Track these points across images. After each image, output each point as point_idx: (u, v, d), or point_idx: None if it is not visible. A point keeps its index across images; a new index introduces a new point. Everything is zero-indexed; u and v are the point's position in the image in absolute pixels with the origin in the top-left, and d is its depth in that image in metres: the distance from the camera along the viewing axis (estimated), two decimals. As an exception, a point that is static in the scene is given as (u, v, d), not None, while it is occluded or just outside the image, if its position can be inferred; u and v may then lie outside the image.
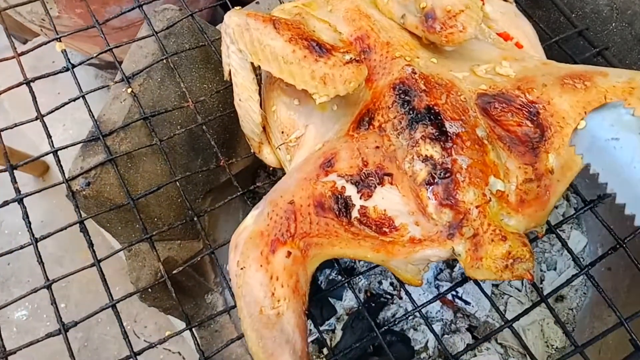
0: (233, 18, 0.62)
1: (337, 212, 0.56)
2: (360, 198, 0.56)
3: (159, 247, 0.72)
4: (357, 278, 0.99)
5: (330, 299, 0.98)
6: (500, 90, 0.60)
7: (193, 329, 0.60)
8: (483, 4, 0.65)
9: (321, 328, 0.99)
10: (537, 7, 0.81)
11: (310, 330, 0.96)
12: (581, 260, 0.97)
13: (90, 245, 0.62)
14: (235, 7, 0.65)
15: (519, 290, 0.97)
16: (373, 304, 0.94)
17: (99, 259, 0.62)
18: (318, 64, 0.58)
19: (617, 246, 0.62)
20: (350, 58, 0.57)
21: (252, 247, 0.56)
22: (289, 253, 0.55)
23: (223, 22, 0.64)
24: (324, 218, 0.57)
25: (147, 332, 1.58)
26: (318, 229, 0.57)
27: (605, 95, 0.58)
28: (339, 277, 0.99)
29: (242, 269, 0.55)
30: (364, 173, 0.57)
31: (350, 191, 0.57)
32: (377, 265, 0.74)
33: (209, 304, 0.82)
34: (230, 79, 0.65)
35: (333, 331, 0.98)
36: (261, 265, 0.55)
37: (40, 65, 1.75)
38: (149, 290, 0.69)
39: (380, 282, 0.99)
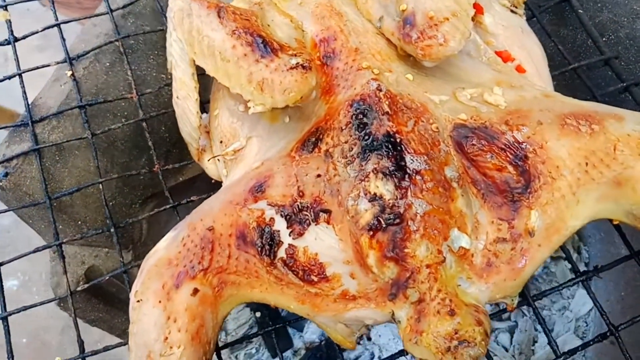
0: (177, 1, 0.53)
1: (259, 249, 0.47)
2: (290, 235, 0.46)
3: (84, 252, 0.64)
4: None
5: (289, 328, 0.88)
6: (483, 123, 0.48)
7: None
8: (481, 12, 0.53)
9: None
10: (563, 25, 0.68)
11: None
12: (584, 325, 0.83)
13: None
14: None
15: (506, 350, 0.84)
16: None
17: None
18: (258, 65, 0.47)
19: (608, 334, 0.49)
20: (297, 63, 0.47)
21: (155, 278, 0.47)
22: (196, 291, 0.46)
23: (168, 5, 0.54)
24: (245, 253, 0.47)
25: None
26: (237, 266, 0.48)
27: (616, 146, 0.46)
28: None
29: (138, 301, 0.47)
30: (298, 205, 0.47)
31: (279, 225, 0.47)
32: None
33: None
34: (172, 72, 0.56)
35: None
36: (160, 302, 0.46)
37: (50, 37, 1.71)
38: (67, 298, 0.61)
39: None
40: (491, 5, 0.54)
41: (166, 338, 0.45)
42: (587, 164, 0.46)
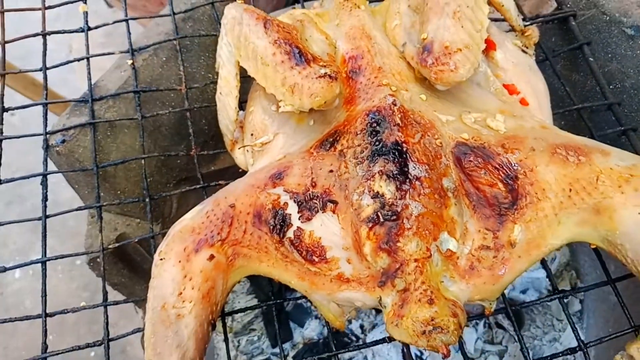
0: (231, 10, 0.61)
1: (271, 227, 0.53)
2: (299, 219, 0.53)
3: (118, 220, 0.72)
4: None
5: (291, 322, 0.93)
6: (482, 144, 0.54)
7: (108, 307, 0.59)
8: (494, 48, 0.60)
9: (272, 350, 0.94)
10: (575, 70, 0.74)
11: (262, 349, 0.92)
12: (572, 358, 0.87)
13: (44, 199, 0.63)
14: (239, 1, 0.63)
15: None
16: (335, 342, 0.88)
17: (47, 214, 0.63)
18: (292, 71, 0.55)
19: (577, 348, 0.54)
20: (325, 72, 0.54)
21: (178, 241, 0.54)
22: (212, 257, 0.53)
23: (224, 13, 0.63)
24: (258, 230, 0.54)
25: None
26: (250, 240, 0.54)
27: (598, 177, 0.51)
28: (308, 303, 0.95)
29: (161, 259, 0.53)
30: (309, 194, 0.53)
31: (292, 209, 0.53)
32: None
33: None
34: (218, 71, 0.64)
35: (285, 357, 0.93)
36: (179, 261, 0.53)
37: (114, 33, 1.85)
38: (97, 260, 0.69)
39: (349, 321, 0.93)
40: (504, 43, 0.61)
41: (180, 293, 0.51)
42: (570, 190, 0.51)
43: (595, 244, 0.53)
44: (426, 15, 0.58)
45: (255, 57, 0.57)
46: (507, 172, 0.53)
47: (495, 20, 0.65)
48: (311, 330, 0.93)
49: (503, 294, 0.56)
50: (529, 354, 0.55)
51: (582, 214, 0.51)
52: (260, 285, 0.97)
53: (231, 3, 0.63)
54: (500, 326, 0.92)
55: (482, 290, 0.51)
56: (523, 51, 0.62)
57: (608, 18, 0.68)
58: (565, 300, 0.93)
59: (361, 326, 0.92)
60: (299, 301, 0.97)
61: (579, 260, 0.94)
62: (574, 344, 0.88)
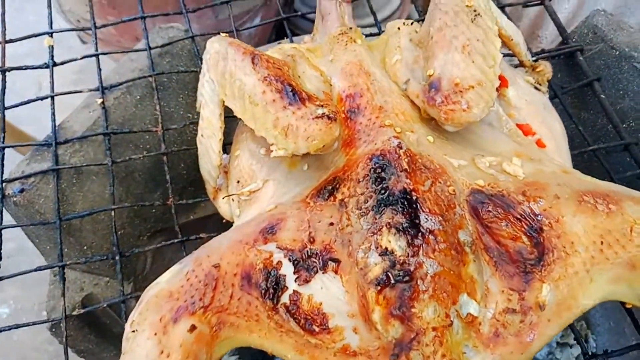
0: (214, 44, 0.55)
1: (263, 291, 0.46)
2: (296, 281, 0.46)
3: (85, 279, 0.64)
4: None
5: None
6: (500, 191, 0.48)
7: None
8: (506, 86, 0.55)
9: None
10: (584, 108, 0.70)
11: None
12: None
13: (-3, 258, 0.55)
14: (221, 34, 0.57)
15: None
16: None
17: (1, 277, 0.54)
18: (285, 111, 0.49)
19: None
20: (323, 113, 0.48)
21: (153, 309, 0.46)
22: (193, 327, 0.45)
23: (205, 48, 0.57)
24: (247, 295, 0.47)
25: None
26: (238, 307, 0.47)
27: (632, 227, 0.46)
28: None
29: (133, 331, 0.45)
30: (307, 251, 0.46)
31: (286, 269, 0.46)
32: None
33: None
34: (200, 111, 0.58)
35: None
36: (155, 334, 0.45)
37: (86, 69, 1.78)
38: (60, 325, 0.60)
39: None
40: (516, 79, 0.56)
41: None
42: (602, 242, 0.46)
43: (631, 303, 0.47)
44: (431, 49, 0.53)
45: (243, 96, 0.51)
46: (530, 223, 0.47)
47: (504, 55, 0.60)
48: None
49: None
50: None
51: (616, 269, 0.46)
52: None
53: (214, 37, 0.56)
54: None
55: (508, 360, 0.44)
56: (536, 88, 0.57)
57: (618, 53, 0.65)
58: (575, 354, 0.87)
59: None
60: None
61: (594, 327, 0.88)
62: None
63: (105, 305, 0.53)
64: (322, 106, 0.49)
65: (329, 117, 0.48)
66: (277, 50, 0.60)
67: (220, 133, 0.56)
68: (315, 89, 0.54)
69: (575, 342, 0.86)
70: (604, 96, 0.64)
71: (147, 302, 0.47)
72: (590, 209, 0.47)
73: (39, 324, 0.55)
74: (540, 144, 0.54)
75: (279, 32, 1.44)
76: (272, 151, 0.49)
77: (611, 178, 0.59)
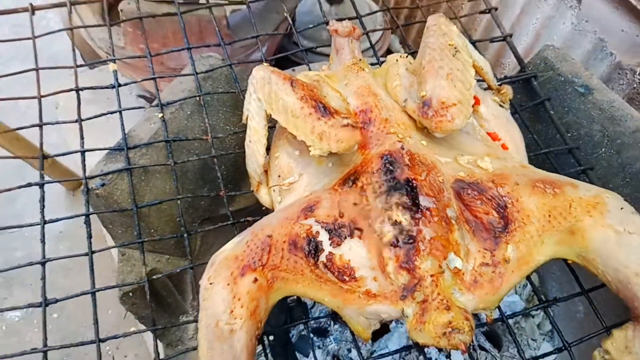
0: (259, 71, 0.72)
1: (306, 252, 0.62)
2: (330, 245, 0.62)
3: (148, 257, 0.79)
4: (327, 340, 1.02)
5: (297, 353, 1.00)
6: (476, 180, 0.66)
7: (158, 335, 0.65)
8: (478, 103, 0.73)
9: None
10: (538, 121, 0.89)
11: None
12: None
13: (89, 236, 0.70)
14: (263, 64, 0.75)
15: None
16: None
17: (93, 250, 0.69)
18: (319, 122, 0.66)
19: (563, 348, 0.65)
20: (347, 123, 0.65)
21: (225, 267, 0.61)
22: (256, 279, 0.61)
23: (251, 73, 0.74)
24: (294, 256, 0.62)
25: (127, 360, 1.61)
26: (287, 265, 0.62)
27: (570, 204, 0.63)
28: (312, 334, 1.02)
29: (211, 283, 0.61)
30: (338, 223, 0.63)
31: (323, 237, 0.62)
32: (349, 332, 0.77)
33: (181, 327, 0.87)
34: (247, 122, 0.74)
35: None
36: (228, 284, 0.60)
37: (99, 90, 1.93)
38: (130, 294, 0.75)
39: (349, 350, 1.01)
40: (486, 99, 0.75)
41: (232, 311, 0.58)
42: (550, 215, 0.63)
43: (571, 259, 0.64)
44: (423, 76, 0.71)
45: (286, 111, 0.68)
46: (498, 202, 0.64)
47: (477, 80, 0.79)
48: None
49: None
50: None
51: (560, 235, 0.63)
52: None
53: (259, 65, 0.74)
54: (482, 348, 1.02)
55: (484, 300, 0.61)
56: (500, 106, 0.75)
57: (563, 79, 0.84)
58: (537, 322, 1.05)
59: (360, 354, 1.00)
60: (303, 333, 1.04)
61: (547, 285, 1.07)
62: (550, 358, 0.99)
63: (178, 271, 0.69)
64: (346, 117, 0.66)
65: (352, 126, 0.65)
66: (303, 76, 0.78)
67: (265, 139, 0.73)
68: (337, 106, 0.72)
69: (537, 311, 1.04)
70: (552, 112, 0.83)
71: (219, 263, 0.62)
72: (541, 192, 0.65)
73: (118, 287, 0.71)
74: (504, 147, 0.73)
75: (279, 59, 1.63)
76: (309, 151, 0.66)
77: (558, 174, 0.77)
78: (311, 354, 1.02)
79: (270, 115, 0.70)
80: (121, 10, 1.06)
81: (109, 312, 1.88)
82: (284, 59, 1.57)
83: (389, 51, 1.94)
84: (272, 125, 0.72)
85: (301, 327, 1.06)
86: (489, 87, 0.79)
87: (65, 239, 1.88)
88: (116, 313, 1.74)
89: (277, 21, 1.29)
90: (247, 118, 0.75)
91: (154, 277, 0.69)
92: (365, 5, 1.74)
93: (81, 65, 0.85)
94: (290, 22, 0.97)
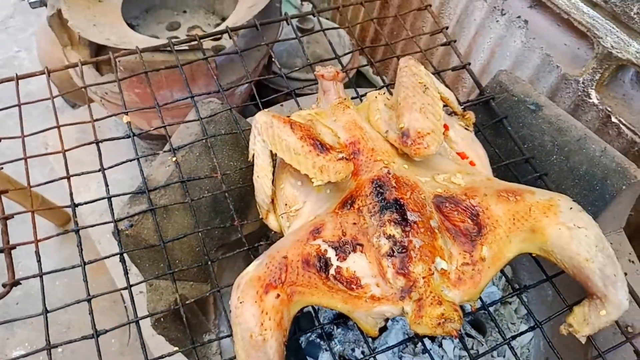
0: (262, 117, 0.85)
1: (318, 268, 0.73)
2: (337, 260, 0.73)
3: (174, 286, 0.89)
4: (332, 343, 1.14)
5: (308, 357, 1.12)
6: (451, 194, 0.79)
7: (187, 353, 0.76)
8: (447, 129, 0.87)
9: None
10: (498, 136, 1.03)
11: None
12: (527, 352, 1.12)
13: (126, 272, 0.80)
14: (264, 110, 0.87)
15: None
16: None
17: (131, 283, 0.80)
18: (319, 157, 0.78)
19: (535, 326, 0.78)
20: (342, 156, 0.78)
21: (250, 287, 0.72)
22: (278, 295, 0.72)
23: (254, 118, 0.86)
24: (308, 272, 0.74)
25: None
26: (302, 280, 0.73)
27: (530, 208, 0.77)
28: (318, 339, 1.14)
29: (240, 302, 0.71)
30: (342, 241, 0.75)
31: (330, 254, 0.74)
32: (351, 334, 0.88)
33: (205, 346, 0.97)
34: (253, 160, 0.86)
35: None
36: (255, 302, 0.70)
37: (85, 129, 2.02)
38: (161, 320, 0.86)
39: (353, 350, 1.13)
40: (453, 125, 0.88)
41: (262, 324, 0.69)
42: (514, 219, 0.75)
43: (535, 253, 0.78)
44: (400, 111, 0.84)
45: (289, 150, 0.80)
46: (471, 211, 0.77)
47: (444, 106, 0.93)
48: (324, 361, 1.12)
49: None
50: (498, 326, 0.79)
51: (523, 234, 0.74)
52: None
53: (261, 111, 0.86)
54: (469, 335, 1.16)
55: (468, 293, 0.74)
56: (466, 129, 0.89)
57: (516, 98, 0.98)
58: (514, 308, 1.19)
59: (362, 352, 1.13)
60: (310, 338, 1.16)
61: (519, 275, 1.22)
62: (526, 340, 1.14)
63: (207, 295, 0.80)
64: (340, 152, 0.79)
65: (346, 159, 0.78)
66: (297, 116, 0.90)
67: (271, 174, 0.84)
68: (331, 140, 0.84)
69: (513, 298, 1.18)
70: (510, 128, 0.97)
71: (245, 284, 0.73)
72: (505, 200, 0.78)
73: (149, 316, 0.81)
74: (472, 163, 0.86)
75: (258, 90, 1.76)
76: (311, 182, 0.79)
77: (518, 181, 0.91)
78: (320, 355, 1.14)
79: (276, 154, 0.82)
80: (119, 61, 1.17)
81: (112, 341, 1.97)
82: (265, 87, 1.71)
83: (359, 73, 2.09)
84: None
85: (309, 333, 1.18)
86: (454, 113, 0.93)
87: (62, 274, 1.95)
88: (119, 343, 1.82)
89: (258, 58, 1.41)
90: (252, 157, 0.86)
91: (187, 302, 0.80)
92: (334, 33, 1.88)
93: (98, 120, 0.95)
94: (274, 56, 1.09)
